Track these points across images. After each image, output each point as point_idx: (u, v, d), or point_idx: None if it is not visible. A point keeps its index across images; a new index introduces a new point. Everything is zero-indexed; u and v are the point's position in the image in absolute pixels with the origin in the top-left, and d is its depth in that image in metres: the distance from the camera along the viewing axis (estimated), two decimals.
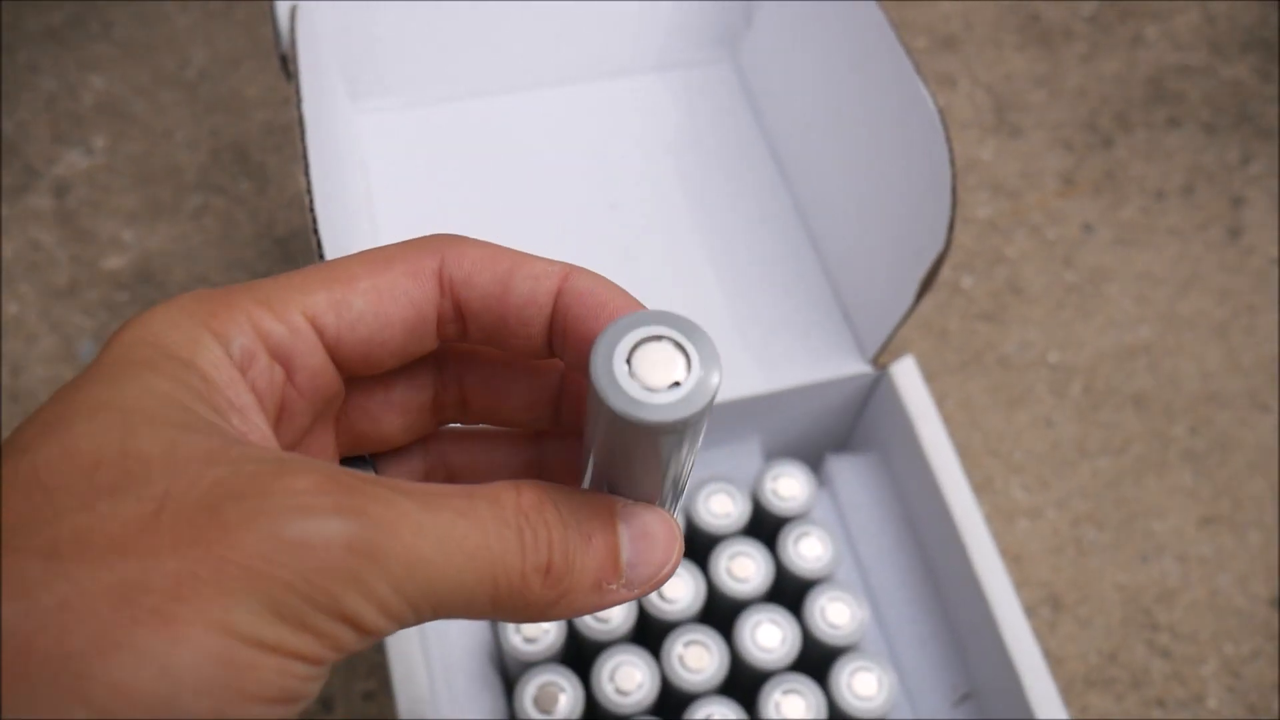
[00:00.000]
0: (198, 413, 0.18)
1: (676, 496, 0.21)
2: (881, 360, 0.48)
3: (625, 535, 0.20)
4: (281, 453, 0.18)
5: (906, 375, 0.47)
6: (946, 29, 0.81)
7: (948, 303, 0.69)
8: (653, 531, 0.20)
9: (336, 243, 0.39)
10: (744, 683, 0.42)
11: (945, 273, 0.70)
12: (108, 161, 0.71)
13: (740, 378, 0.47)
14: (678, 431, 0.17)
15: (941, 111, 0.41)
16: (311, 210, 0.37)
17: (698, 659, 0.40)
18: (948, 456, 0.46)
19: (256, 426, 0.19)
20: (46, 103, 0.73)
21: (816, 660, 0.42)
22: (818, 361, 0.48)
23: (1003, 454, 0.64)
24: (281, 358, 0.19)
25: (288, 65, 0.47)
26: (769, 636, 0.41)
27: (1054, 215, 0.73)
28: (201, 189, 0.70)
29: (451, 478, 0.24)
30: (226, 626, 0.15)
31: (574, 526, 0.19)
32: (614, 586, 0.20)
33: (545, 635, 0.41)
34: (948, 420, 0.63)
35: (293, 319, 0.19)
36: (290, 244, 0.69)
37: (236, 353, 0.19)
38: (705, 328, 0.18)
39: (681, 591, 0.42)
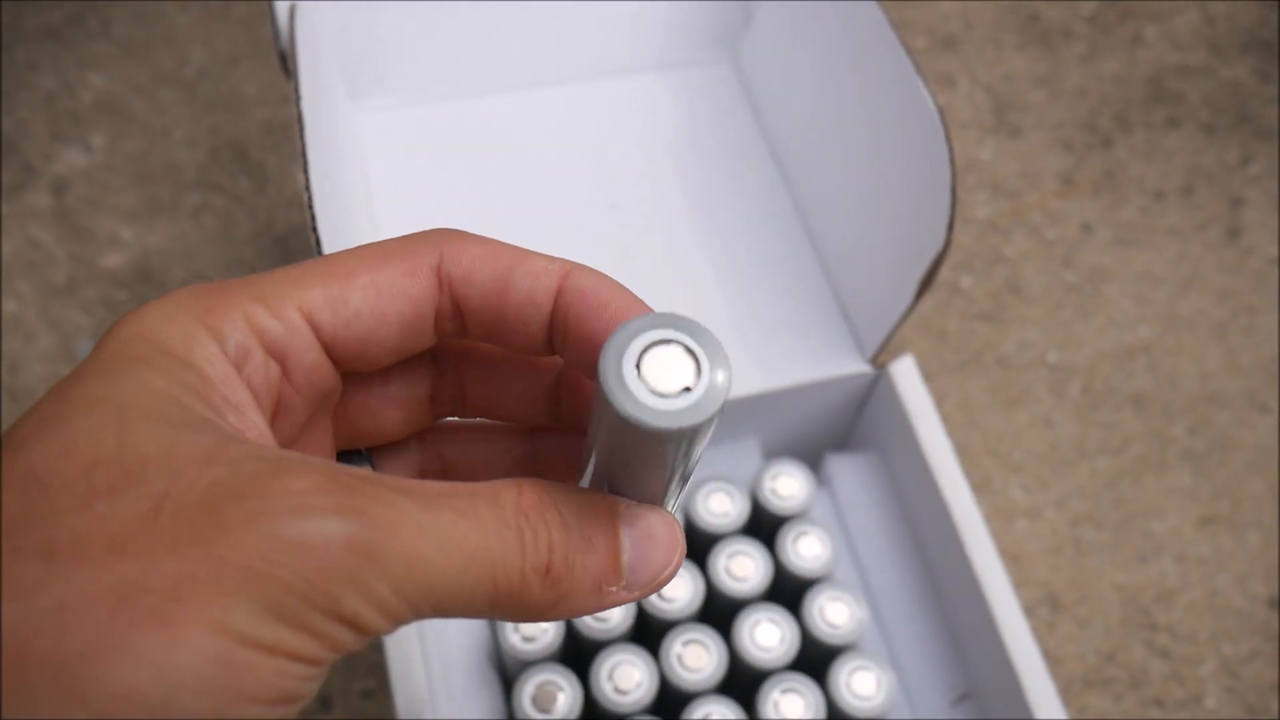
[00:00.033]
0: (194, 409, 0.17)
1: (679, 497, 0.21)
2: (881, 360, 0.48)
3: (627, 537, 0.20)
4: (280, 451, 0.17)
5: (906, 375, 0.47)
6: (946, 29, 0.81)
7: (947, 302, 0.69)
8: (655, 534, 0.20)
9: (336, 241, 0.39)
10: (743, 682, 0.42)
11: (944, 272, 0.70)
12: (106, 160, 0.71)
13: (740, 377, 0.47)
14: (686, 437, 0.17)
15: (941, 111, 0.41)
16: (310, 209, 0.37)
17: (696, 658, 0.40)
18: (947, 456, 0.46)
19: (253, 423, 0.19)
20: (45, 101, 0.73)
21: (815, 659, 0.42)
22: (817, 361, 0.48)
23: (1002, 454, 0.64)
24: (277, 354, 0.19)
25: (287, 64, 0.47)
26: (768, 636, 0.41)
27: (1053, 215, 0.73)
28: (200, 187, 0.70)
29: (447, 471, 0.24)
30: (225, 627, 0.15)
31: (575, 528, 0.19)
32: (614, 588, 0.19)
33: (544, 634, 0.41)
34: (947, 420, 0.63)
35: (288, 315, 0.19)
36: (289, 243, 0.69)
37: (232, 349, 0.19)
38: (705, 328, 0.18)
39: (680, 591, 0.42)
